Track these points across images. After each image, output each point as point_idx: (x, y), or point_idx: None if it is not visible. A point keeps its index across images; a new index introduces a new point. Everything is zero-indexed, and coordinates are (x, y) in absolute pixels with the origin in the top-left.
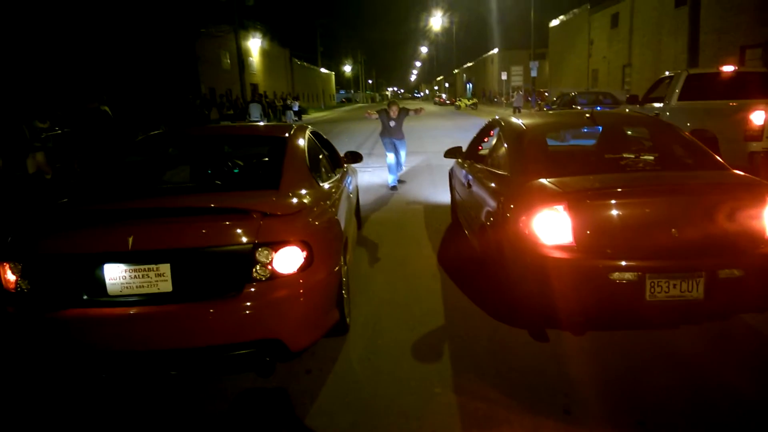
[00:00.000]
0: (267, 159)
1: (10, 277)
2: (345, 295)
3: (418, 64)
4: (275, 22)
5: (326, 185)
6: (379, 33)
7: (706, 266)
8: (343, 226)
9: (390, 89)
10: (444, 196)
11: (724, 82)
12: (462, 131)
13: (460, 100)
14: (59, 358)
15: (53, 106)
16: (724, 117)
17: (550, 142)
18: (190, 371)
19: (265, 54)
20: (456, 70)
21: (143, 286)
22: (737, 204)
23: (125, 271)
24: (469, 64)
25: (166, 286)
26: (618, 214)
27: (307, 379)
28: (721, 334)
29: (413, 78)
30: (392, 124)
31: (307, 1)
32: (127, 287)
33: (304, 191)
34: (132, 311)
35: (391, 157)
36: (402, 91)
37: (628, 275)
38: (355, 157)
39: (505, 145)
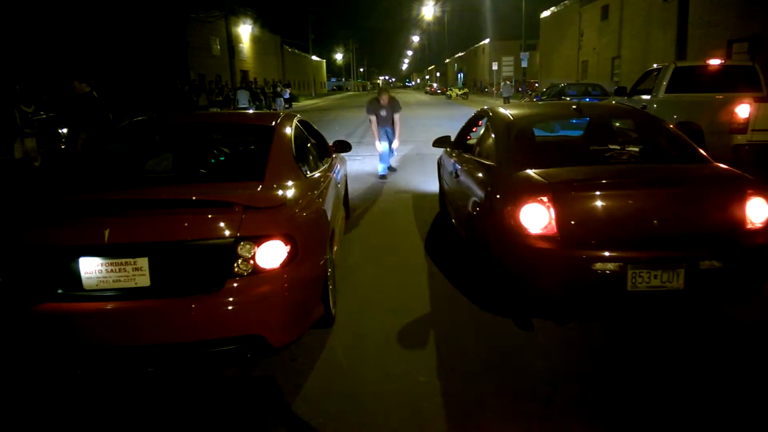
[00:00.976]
0: (253, 148)
1: None
2: (331, 287)
3: (409, 53)
4: (266, 9)
5: (314, 175)
6: (371, 21)
7: (686, 257)
8: (329, 217)
9: (381, 78)
10: (433, 185)
11: (711, 75)
12: (452, 120)
13: (451, 90)
14: (36, 353)
15: (39, 91)
16: (710, 110)
17: (539, 132)
18: (169, 367)
19: (256, 40)
20: (447, 60)
21: (120, 281)
22: (718, 196)
23: (101, 265)
24: (461, 54)
25: (144, 280)
26: (601, 206)
27: (293, 368)
28: (704, 326)
29: (405, 67)
30: (383, 113)
31: None
32: (103, 281)
33: (289, 182)
34: (108, 306)
35: (382, 146)
36: (393, 79)
37: (610, 265)
38: (344, 146)
39: (493, 136)
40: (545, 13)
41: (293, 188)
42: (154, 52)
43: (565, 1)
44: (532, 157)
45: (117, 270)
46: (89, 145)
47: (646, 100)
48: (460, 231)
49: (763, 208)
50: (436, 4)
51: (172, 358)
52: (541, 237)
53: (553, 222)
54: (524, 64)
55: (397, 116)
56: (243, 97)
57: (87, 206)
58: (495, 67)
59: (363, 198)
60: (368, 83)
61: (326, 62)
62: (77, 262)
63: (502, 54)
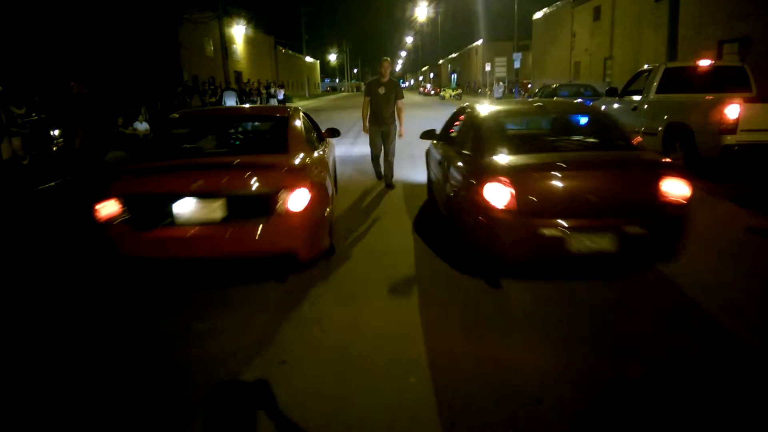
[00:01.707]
0: (275, 131)
1: (114, 207)
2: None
3: (403, 54)
4: (260, 10)
5: (318, 151)
6: (365, 22)
7: (616, 225)
8: (329, 183)
9: (375, 77)
10: (423, 177)
11: (701, 75)
12: (444, 120)
13: (444, 91)
14: (147, 266)
15: (30, 92)
16: (700, 110)
17: (515, 126)
18: (234, 272)
19: (250, 41)
20: (441, 61)
21: (206, 214)
22: (641, 177)
23: (195, 204)
24: (454, 55)
25: (221, 213)
26: (550, 185)
27: (281, 370)
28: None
29: (399, 68)
30: (382, 90)
31: None
32: (195, 214)
33: (303, 154)
34: (197, 230)
35: (375, 162)
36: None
37: (555, 231)
38: (334, 132)
39: (469, 129)
40: (538, 15)
41: (307, 158)
42: (146, 52)
43: (558, 2)
44: (500, 147)
45: (204, 207)
46: (158, 129)
47: (637, 100)
48: (443, 211)
49: (675, 186)
50: (429, 5)
51: (237, 265)
52: (504, 209)
53: (513, 198)
54: (517, 65)
55: (400, 102)
56: (230, 99)
57: (184, 167)
58: (488, 67)
59: (357, 188)
60: (362, 84)
61: (320, 63)
62: (178, 202)
63: (495, 55)
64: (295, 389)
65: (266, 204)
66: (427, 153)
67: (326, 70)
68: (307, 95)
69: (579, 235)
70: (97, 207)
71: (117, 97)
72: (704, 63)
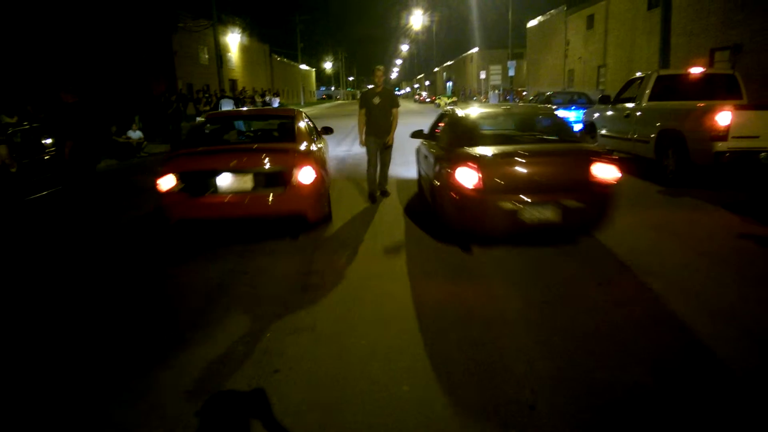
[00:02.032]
0: (285, 126)
1: (172, 182)
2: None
3: (398, 62)
4: (255, 18)
5: (318, 144)
6: (360, 30)
7: (558, 199)
8: (327, 162)
9: (370, 86)
10: (413, 174)
11: (693, 83)
12: None
13: (440, 98)
14: (196, 225)
15: (23, 101)
16: (692, 117)
17: (490, 127)
18: (261, 228)
19: (245, 49)
20: (436, 69)
21: (238, 185)
22: (578, 163)
23: (230, 178)
24: (449, 63)
25: (250, 185)
26: (508, 169)
27: (275, 378)
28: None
29: (394, 75)
30: (376, 100)
31: None
32: (233, 185)
33: (306, 143)
34: (232, 197)
35: (372, 170)
36: None
37: (512, 205)
38: (327, 130)
39: (448, 127)
40: (532, 23)
41: (311, 146)
42: (140, 60)
43: (552, 11)
44: (471, 141)
45: (238, 180)
46: (190, 132)
47: (630, 108)
48: (427, 196)
49: (605, 170)
50: (424, 14)
51: (262, 222)
52: (472, 189)
53: (480, 180)
54: (511, 73)
55: (395, 111)
56: (227, 106)
57: (221, 151)
58: (483, 75)
59: (353, 185)
60: (357, 92)
61: (315, 71)
62: (218, 177)
63: (490, 63)
64: (288, 397)
65: (283, 178)
66: (417, 151)
67: (322, 78)
68: (302, 103)
69: (530, 208)
70: (159, 181)
71: (110, 106)
72: (696, 71)
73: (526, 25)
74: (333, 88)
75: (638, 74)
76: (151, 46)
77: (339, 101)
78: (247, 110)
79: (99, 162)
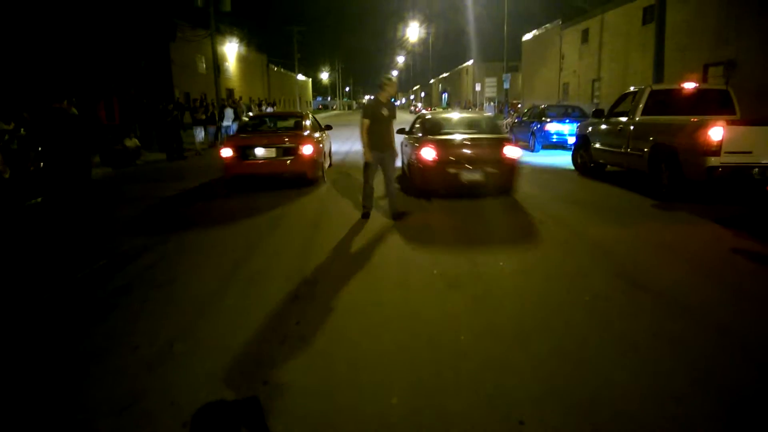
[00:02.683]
0: (297, 121)
1: (230, 152)
2: (324, 167)
3: (395, 73)
4: (252, 28)
5: (317, 134)
6: (357, 41)
7: (483, 169)
8: (324, 145)
9: (367, 96)
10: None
11: (686, 98)
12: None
13: (435, 110)
14: (242, 178)
15: (20, 108)
16: (685, 132)
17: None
18: (280, 178)
19: (242, 59)
20: (432, 80)
21: (268, 154)
22: (495, 145)
23: (262, 150)
24: (445, 75)
25: (274, 155)
26: (453, 149)
27: (265, 390)
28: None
29: None
30: (385, 112)
31: (285, 8)
32: (264, 154)
33: (309, 131)
34: (262, 161)
35: (369, 186)
36: None
37: (455, 170)
38: (328, 127)
39: (419, 124)
40: (527, 36)
41: (313, 134)
42: (138, 69)
43: (547, 25)
44: (432, 132)
45: (267, 152)
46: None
47: (624, 122)
48: (406, 171)
49: (511, 151)
50: (421, 26)
51: (280, 175)
52: (431, 161)
53: (436, 155)
54: (506, 86)
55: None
56: (228, 115)
57: (254, 135)
58: (478, 87)
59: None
60: (354, 102)
61: (312, 81)
62: (255, 149)
63: (486, 75)
64: (278, 410)
65: (293, 151)
66: (401, 144)
67: (318, 88)
68: None
69: (466, 172)
70: (221, 151)
71: (108, 115)
72: (689, 86)
73: (521, 38)
74: (329, 99)
75: (632, 88)
76: (148, 55)
77: (335, 111)
78: (273, 112)
79: (88, 170)
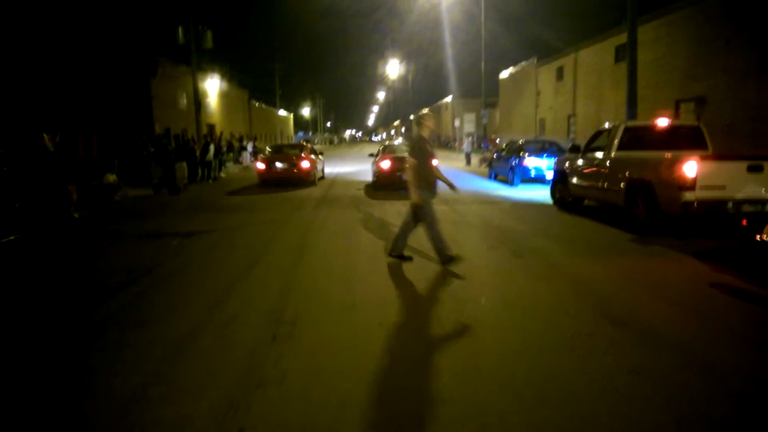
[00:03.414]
0: (299, 149)
1: (262, 165)
2: (319, 178)
3: (375, 108)
4: (234, 64)
5: (313, 156)
6: (338, 77)
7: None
8: (316, 164)
9: (348, 131)
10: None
11: (660, 133)
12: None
13: (390, 141)
14: (270, 179)
15: None
16: (660, 167)
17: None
18: (292, 183)
19: (223, 95)
20: (412, 116)
21: (285, 168)
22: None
23: (278, 164)
24: (425, 110)
25: (287, 167)
26: (398, 162)
27: None
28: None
29: (371, 122)
30: (429, 148)
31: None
32: (279, 166)
33: (306, 154)
34: (281, 168)
35: (437, 226)
36: (360, 133)
37: (399, 174)
38: (321, 153)
39: (381, 149)
40: (504, 74)
41: (309, 155)
42: (119, 105)
43: (523, 63)
44: (388, 154)
45: (282, 165)
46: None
47: (599, 157)
48: (374, 177)
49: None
50: (401, 62)
51: (290, 179)
52: (386, 170)
53: (390, 166)
54: (484, 121)
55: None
56: (211, 150)
57: (273, 156)
58: (457, 123)
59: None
60: (335, 137)
61: (294, 116)
62: (276, 162)
63: (465, 110)
64: None
65: (297, 165)
66: (372, 162)
67: (300, 123)
68: None
69: (404, 175)
70: (257, 164)
71: (86, 151)
72: (662, 122)
73: (498, 75)
74: (311, 133)
75: (606, 125)
76: (129, 91)
77: (317, 146)
78: (284, 144)
79: (66, 207)
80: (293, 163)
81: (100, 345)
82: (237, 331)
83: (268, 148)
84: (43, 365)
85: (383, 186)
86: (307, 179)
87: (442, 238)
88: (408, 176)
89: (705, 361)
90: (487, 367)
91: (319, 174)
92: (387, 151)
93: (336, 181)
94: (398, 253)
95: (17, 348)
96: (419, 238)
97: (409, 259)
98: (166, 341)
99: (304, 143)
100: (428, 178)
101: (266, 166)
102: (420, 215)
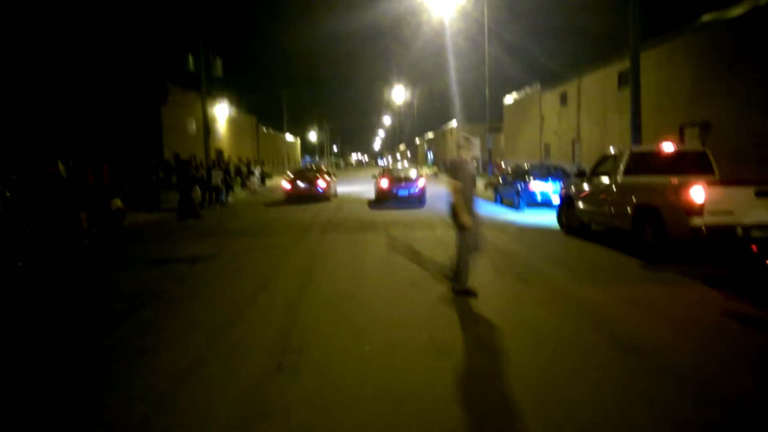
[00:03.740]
0: (317, 170)
1: (288, 185)
2: (333, 195)
3: (381, 132)
4: (243, 90)
5: (328, 177)
6: (344, 102)
7: (407, 189)
8: (331, 184)
9: (355, 155)
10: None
11: (666, 159)
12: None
13: (420, 169)
14: (294, 197)
15: (8, 171)
16: (667, 193)
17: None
18: (315, 199)
19: (232, 121)
20: (418, 140)
21: (304, 185)
22: (415, 178)
23: (302, 183)
24: (430, 135)
25: (308, 186)
26: (394, 179)
27: None
28: None
29: (377, 146)
30: (471, 171)
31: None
32: (303, 185)
33: (323, 175)
34: (303, 186)
35: (468, 256)
36: (366, 157)
37: (394, 189)
38: (334, 175)
39: (381, 171)
40: (508, 99)
41: (325, 176)
42: (130, 131)
43: (526, 88)
44: (386, 175)
45: (304, 184)
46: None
47: (606, 183)
48: (376, 194)
49: (419, 182)
50: (406, 87)
51: (310, 195)
52: (385, 187)
53: (388, 183)
54: (489, 146)
55: None
56: (217, 176)
57: (297, 177)
58: None
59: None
60: (341, 161)
61: (301, 140)
62: (299, 182)
63: (470, 135)
64: None
65: (315, 184)
66: (374, 182)
67: (307, 147)
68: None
69: (400, 190)
70: (282, 183)
71: (96, 177)
72: (668, 147)
73: (502, 100)
74: (318, 158)
75: (611, 150)
76: (140, 117)
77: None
78: (304, 168)
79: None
80: (313, 183)
81: (105, 373)
82: (242, 359)
83: (289, 173)
84: (47, 393)
85: (382, 200)
86: (324, 196)
87: (469, 268)
88: (454, 200)
89: (720, 393)
90: (495, 398)
91: (333, 192)
92: (385, 173)
93: (346, 198)
94: (463, 288)
95: (21, 375)
96: (424, 261)
97: (474, 295)
98: (171, 369)
99: (321, 167)
100: (469, 203)
101: (291, 185)
102: (460, 237)
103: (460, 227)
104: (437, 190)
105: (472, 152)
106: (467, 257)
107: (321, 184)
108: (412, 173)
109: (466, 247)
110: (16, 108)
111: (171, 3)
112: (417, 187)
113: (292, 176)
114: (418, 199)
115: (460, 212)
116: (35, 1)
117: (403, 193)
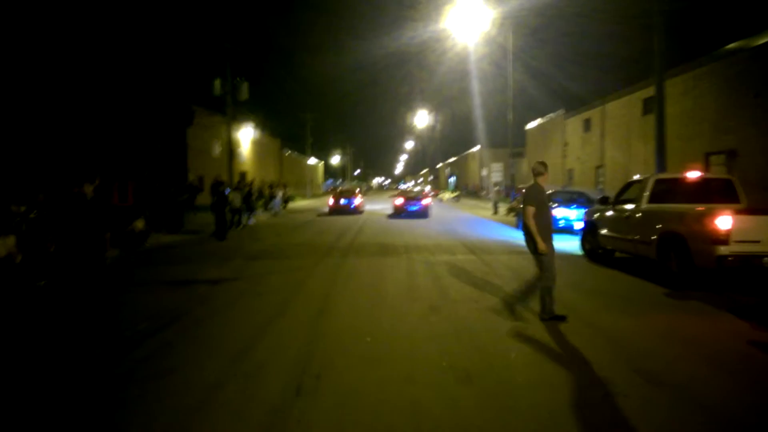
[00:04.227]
0: (353, 191)
1: (332, 200)
2: (362, 209)
3: (403, 157)
4: (267, 114)
5: (361, 196)
6: (367, 126)
7: (414, 203)
8: (363, 201)
9: (377, 179)
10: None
11: (691, 186)
12: (439, 224)
13: (442, 193)
14: (336, 211)
15: (35, 191)
16: (693, 221)
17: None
18: (350, 213)
19: (256, 143)
20: (440, 165)
21: (344, 201)
22: (420, 196)
23: (343, 200)
24: (453, 159)
25: (347, 202)
26: (402, 200)
27: None
28: None
29: (400, 169)
30: (546, 197)
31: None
32: (343, 203)
33: (358, 195)
34: (343, 205)
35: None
36: (389, 181)
37: (403, 205)
38: (364, 193)
39: (397, 194)
40: (531, 125)
41: (360, 196)
42: (156, 153)
43: (550, 114)
44: (401, 195)
45: (344, 201)
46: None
47: (630, 209)
48: (393, 209)
49: (425, 200)
50: (429, 113)
51: (348, 211)
52: (398, 204)
53: (402, 202)
54: (512, 172)
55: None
56: (237, 198)
57: (341, 195)
58: (485, 173)
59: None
60: (363, 184)
61: (324, 164)
62: (340, 199)
63: (492, 160)
64: None
65: (353, 201)
66: (392, 200)
67: (329, 170)
68: (308, 195)
69: (410, 206)
70: (329, 200)
71: (121, 197)
72: (693, 175)
73: (525, 125)
74: (341, 181)
75: (636, 177)
76: (166, 140)
77: None
78: (343, 189)
79: (102, 254)
80: (351, 199)
81: (123, 395)
82: (261, 383)
83: (332, 198)
84: (66, 413)
85: (398, 213)
86: (358, 210)
87: (553, 294)
88: (530, 226)
89: (745, 424)
90: (520, 427)
91: (363, 207)
92: (400, 193)
93: (371, 212)
94: (551, 315)
95: (40, 393)
96: (439, 282)
97: (563, 318)
98: (190, 392)
99: (356, 189)
100: (547, 229)
101: (334, 201)
102: (539, 263)
103: (539, 253)
104: (449, 210)
105: (547, 177)
106: (549, 283)
107: (357, 201)
108: (420, 195)
109: (548, 273)
110: (46, 129)
111: (200, 28)
112: (422, 205)
113: (336, 194)
114: (423, 213)
115: (536, 238)
116: (67, 25)
117: (412, 208)
